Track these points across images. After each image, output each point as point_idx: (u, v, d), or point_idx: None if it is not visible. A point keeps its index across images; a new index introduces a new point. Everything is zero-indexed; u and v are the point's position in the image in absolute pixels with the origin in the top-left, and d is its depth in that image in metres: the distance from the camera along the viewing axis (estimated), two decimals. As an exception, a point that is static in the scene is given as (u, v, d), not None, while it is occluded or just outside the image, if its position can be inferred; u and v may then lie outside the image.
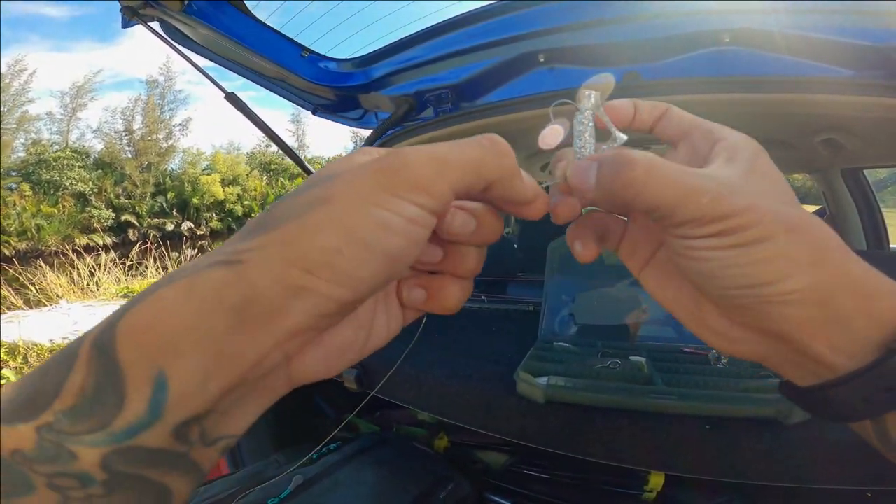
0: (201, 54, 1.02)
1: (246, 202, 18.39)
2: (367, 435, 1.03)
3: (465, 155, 0.19)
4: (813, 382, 0.21)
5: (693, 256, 0.21)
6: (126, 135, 18.29)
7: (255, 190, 18.74)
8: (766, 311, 0.20)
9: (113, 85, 30.93)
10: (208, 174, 18.43)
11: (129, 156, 17.97)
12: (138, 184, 17.16)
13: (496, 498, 1.03)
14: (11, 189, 14.89)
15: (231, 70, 1.07)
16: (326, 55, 1.03)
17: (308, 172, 1.14)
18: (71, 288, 4.08)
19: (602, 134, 0.24)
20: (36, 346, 2.88)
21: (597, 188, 0.21)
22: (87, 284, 4.16)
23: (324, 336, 0.20)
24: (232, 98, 1.01)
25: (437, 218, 0.19)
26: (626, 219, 0.27)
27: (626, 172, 0.20)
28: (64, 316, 3.19)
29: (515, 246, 1.93)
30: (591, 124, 0.24)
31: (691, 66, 0.80)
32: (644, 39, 0.84)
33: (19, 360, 2.79)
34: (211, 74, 0.99)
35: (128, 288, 4.00)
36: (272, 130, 1.06)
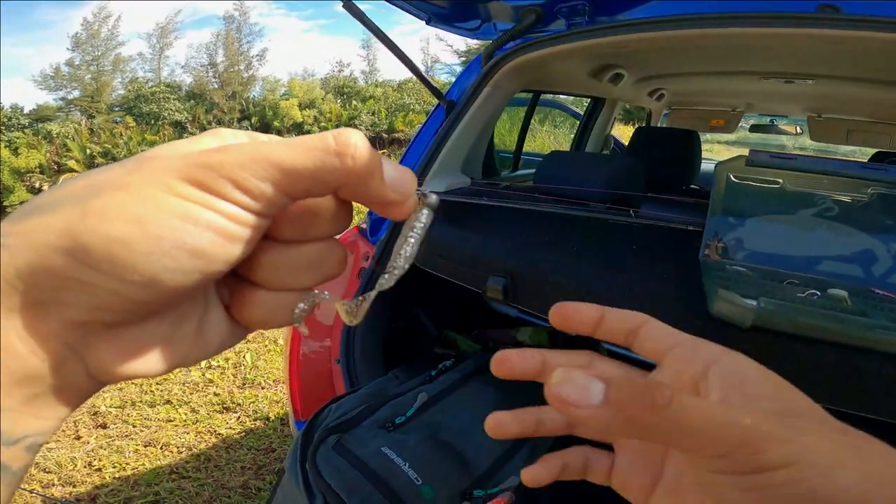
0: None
1: (322, 124, 19.07)
2: (479, 353, 1.05)
3: (301, 160, 0.16)
4: None
5: None
6: (211, 68, 19.72)
7: (331, 112, 19.25)
8: None
9: (192, 23, 32.51)
10: (286, 99, 19.19)
11: (216, 86, 19.37)
12: (226, 111, 18.38)
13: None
14: (117, 122, 16.74)
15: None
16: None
17: (425, 82, 1.08)
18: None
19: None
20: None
21: (607, 406, 0.15)
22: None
23: (122, 330, 0.16)
24: (349, 6, 0.96)
25: (266, 219, 0.17)
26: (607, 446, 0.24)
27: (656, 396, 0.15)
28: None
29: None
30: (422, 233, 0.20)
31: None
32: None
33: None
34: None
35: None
36: (389, 38, 1.00)
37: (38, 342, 0.15)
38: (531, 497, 0.76)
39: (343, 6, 0.95)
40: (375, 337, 1.08)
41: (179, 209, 0.15)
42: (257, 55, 20.28)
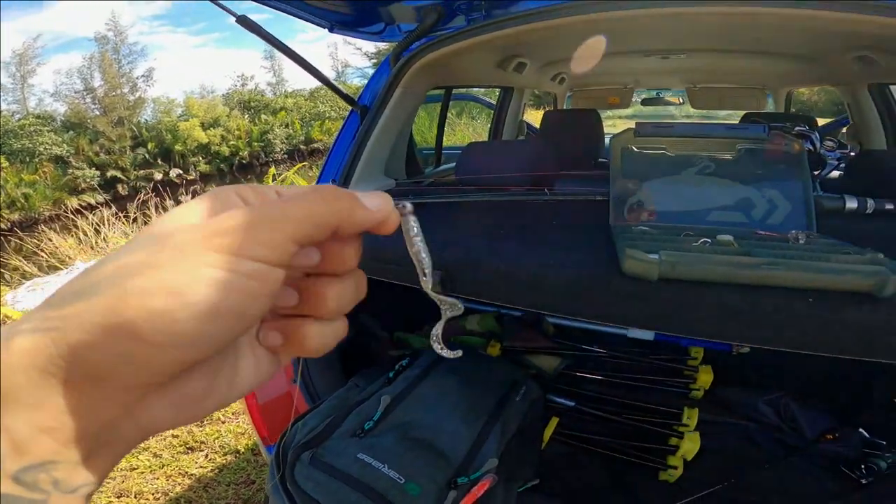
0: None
1: (231, 142, 17.88)
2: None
3: (300, 210, 0.19)
4: None
5: None
6: (88, 93, 17.81)
7: (239, 129, 18.10)
8: None
9: (57, 48, 29.38)
10: (186, 120, 17.75)
11: (98, 113, 17.49)
12: (114, 139, 16.61)
13: (558, 399, 1.10)
14: (-16, 164, 14.49)
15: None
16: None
17: (335, 90, 1.08)
18: (80, 248, 4.04)
19: None
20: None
21: None
22: (96, 242, 4.13)
23: (169, 388, 0.19)
24: (244, 21, 0.93)
25: (281, 269, 0.19)
26: None
27: None
28: (85, 276, 3.17)
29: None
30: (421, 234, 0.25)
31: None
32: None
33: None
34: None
35: (138, 241, 3.95)
36: (292, 50, 0.98)
37: (98, 408, 0.18)
38: (512, 476, 0.80)
39: (237, 21, 0.93)
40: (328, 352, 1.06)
41: (211, 277, 0.17)
42: (143, 76, 18.66)
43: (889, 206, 0.80)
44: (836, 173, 1.09)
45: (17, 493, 0.17)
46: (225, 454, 1.92)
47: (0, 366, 0.17)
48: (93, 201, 12.27)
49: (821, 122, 2.79)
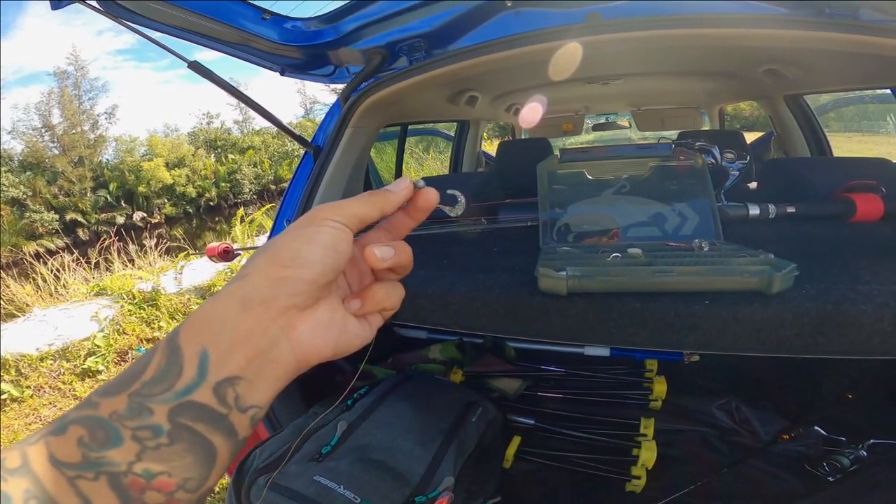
0: (150, 27, 0.96)
1: (197, 183, 17.45)
2: (391, 376, 1.09)
3: (352, 202, 0.31)
4: None
5: None
6: (46, 131, 16.97)
7: (206, 169, 17.76)
8: None
9: (16, 81, 28.71)
10: (149, 160, 17.31)
11: (57, 152, 16.74)
12: (74, 180, 15.99)
13: (519, 418, 1.12)
14: (-65, 209, 13.63)
15: (187, 40, 1.01)
16: (289, 15, 0.99)
17: (286, 130, 1.12)
18: (38, 295, 3.88)
19: None
20: (25, 356, 2.75)
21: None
22: (55, 288, 3.97)
23: (307, 314, 0.28)
24: (196, 66, 0.98)
25: (351, 229, 0.30)
26: None
27: None
28: (41, 323, 3.04)
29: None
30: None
31: (646, 5, 0.83)
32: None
33: (13, 373, 2.69)
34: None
35: (99, 286, 3.82)
36: (244, 94, 1.03)
37: (266, 325, 0.26)
38: (472, 494, 0.82)
39: (189, 67, 0.97)
40: (290, 384, 1.07)
41: (315, 230, 0.28)
42: (106, 113, 18.10)
43: (790, 210, 0.86)
44: (754, 184, 1.17)
45: (211, 404, 0.24)
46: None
47: (219, 305, 0.26)
48: (52, 246, 11.75)
49: (756, 135, 2.97)
